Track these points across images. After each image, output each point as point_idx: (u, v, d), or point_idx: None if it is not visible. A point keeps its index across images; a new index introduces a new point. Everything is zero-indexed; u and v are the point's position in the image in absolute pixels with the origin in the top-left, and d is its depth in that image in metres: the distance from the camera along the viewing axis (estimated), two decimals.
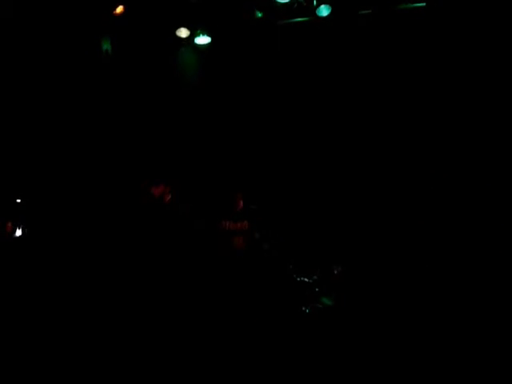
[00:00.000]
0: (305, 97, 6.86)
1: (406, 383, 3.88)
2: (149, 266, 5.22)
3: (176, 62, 7.14)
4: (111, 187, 6.55)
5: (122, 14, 6.34)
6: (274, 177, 6.86)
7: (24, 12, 6.07)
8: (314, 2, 6.34)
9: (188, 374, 4.05)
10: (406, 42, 6.28)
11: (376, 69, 6.51)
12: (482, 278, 4.94)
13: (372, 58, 6.50)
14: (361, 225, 6.16)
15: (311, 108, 6.82)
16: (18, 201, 6.42)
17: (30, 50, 6.32)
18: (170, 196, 5.66)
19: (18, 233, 6.07)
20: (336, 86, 6.72)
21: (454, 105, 6.01)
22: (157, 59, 6.97)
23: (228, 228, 5.74)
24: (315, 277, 5.35)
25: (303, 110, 6.86)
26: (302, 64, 6.84)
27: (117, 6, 6.30)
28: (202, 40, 6.90)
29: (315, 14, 6.40)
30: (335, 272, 5.37)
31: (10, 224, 5.97)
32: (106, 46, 6.63)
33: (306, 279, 5.32)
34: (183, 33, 6.80)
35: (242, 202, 5.83)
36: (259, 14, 6.65)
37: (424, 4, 6.17)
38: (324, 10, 6.34)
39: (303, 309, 5.06)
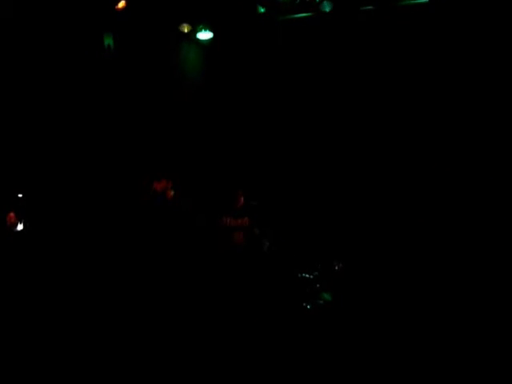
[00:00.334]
0: (306, 93, 6.85)
1: (406, 379, 3.89)
2: (150, 260, 5.24)
3: (178, 57, 7.14)
4: (113, 182, 6.56)
5: (123, 9, 6.32)
6: (274, 173, 6.87)
7: (25, 7, 6.05)
8: None
9: (188, 370, 4.06)
10: (408, 38, 6.26)
11: (378, 64, 6.49)
12: (482, 275, 4.95)
13: (374, 54, 6.48)
14: (361, 220, 6.17)
15: (313, 105, 6.81)
16: (20, 195, 6.43)
17: (32, 45, 6.31)
18: (172, 192, 5.67)
19: (20, 227, 6.08)
20: (338, 81, 6.71)
21: (455, 101, 5.99)
22: (159, 54, 6.96)
23: (229, 224, 5.75)
24: (316, 273, 5.36)
25: (305, 106, 6.85)
26: (304, 60, 6.83)
27: (119, 1, 6.28)
28: (204, 35, 6.89)
29: (317, 9, 6.38)
30: (336, 268, 5.38)
31: (12, 214, 5.97)
32: (108, 41, 6.62)
33: (307, 275, 5.33)
34: (185, 28, 6.79)
35: (242, 199, 5.84)
36: (261, 10, 6.63)
37: (427, 0, 6.15)
38: (327, 6, 6.32)
39: (304, 305, 5.07)
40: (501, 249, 5.12)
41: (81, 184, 6.52)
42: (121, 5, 6.30)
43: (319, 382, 3.96)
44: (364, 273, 5.34)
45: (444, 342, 4.24)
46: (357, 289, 5.17)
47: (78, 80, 6.65)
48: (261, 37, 6.92)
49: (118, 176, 6.63)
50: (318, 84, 6.80)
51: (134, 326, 4.60)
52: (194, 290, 5.03)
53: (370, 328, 4.55)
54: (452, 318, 4.50)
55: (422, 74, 6.23)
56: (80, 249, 5.68)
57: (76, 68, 6.60)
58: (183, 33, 6.89)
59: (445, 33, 6.07)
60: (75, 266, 5.43)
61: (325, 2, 6.30)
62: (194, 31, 6.87)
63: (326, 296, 5.14)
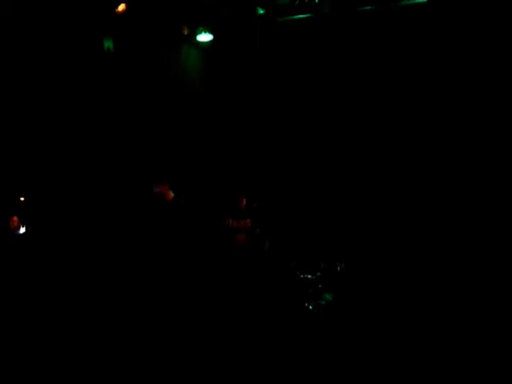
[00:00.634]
0: (306, 94, 6.86)
1: (408, 380, 3.90)
2: (153, 262, 5.26)
3: (178, 59, 7.14)
4: (115, 184, 6.57)
5: (123, 13, 6.34)
6: (276, 174, 6.88)
7: (25, 10, 6.06)
8: None
9: (189, 370, 4.08)
10: (407, 38, 6.27)
11: (377, 65, 6.50)
12: (483, 275, 4.97)
13: (373, 55, 6.49)
14: (363, 221, 6.18)
15: (313, 106, 6.82)
16: (22, 199, 6.45)
17: (32, 48, 6.32)
18: (171, 194, 5.68)
19: (22, 230, 6.10)
20: (337, 82, 6.72)
21: (455, 101, 6.00)
22: (158, 57, 6.97)
23: (231, 226, 5.77)
24: (318, 273, 5.37)
25: (305, 107, 6.86)
26: (304, 61, 6.84)
27: (119, 5, 6.30)
28: (204, 37, 6.90)
29: (317, 10, 6.39)
30: (338, 269, 5.39)
31: (15, 218, 5.99)
32: (108, 44, 6.63)
33: (309, 276, 5.35)
34: (185, 30, 6.80)
35: (244, 201, 5.86)
36: (261, 11, 6.64)
37: (426, 0, 6.16)
38: (326, 6, 6.34)
39: (306, 305, 5.08)
40: (501, 248, 5.14)
41: (82, 186, 6.53)
42: (121, 8, 6.31)
43: (322, 382, 3.98)
44: (366, 273, 5.35)
45: (447, 342, 4.25)
46: (359, 289, 5.19)
47: (78, 83, 6.67)
48: (260, 38, 6.92)
49: (120, 178, 6.64)
50: (318, 85, 6.80)
51: (135, 327, 4.62)
52: (196, 291, 5.05)
53: (372, 328, 4.56)
54: (455, 319, 4.52)
55: (422, 75, 6.24)
56: (81, 251, 5.69)
57: (76, 71, 6.62)
58: (183, 35, 6.90)
59: (444, 33, 6.08)
60: (77, 268, 5.45)
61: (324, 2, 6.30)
62: (193, 33, 6.89)
63: (329, 297, 5.15)
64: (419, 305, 4.77)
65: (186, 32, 6.74)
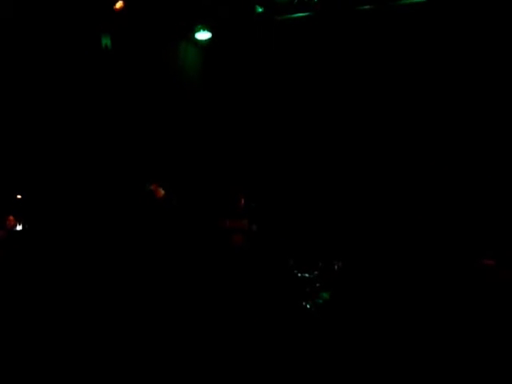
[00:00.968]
0: (304, 93, 6.85)
1: (406, 379, 3.90)
2: (150, 262, 5.24)
3: (176, 57, 7.13)
4: (109, 182, 6.56)
5: (121, 10, 6.32)
6: (274, 173, 6.87)
7: (24, 7, 6.04)
8: None
9: (187, 370, 4.06)
10: (406, 37, 6.26)
11: (376, 64, 6.49)
12: (482, 275, 4.96)
13: (372, 54, 6.48)
14: (361, 220, 6.18)
15: (311, 105, 6.81)
16: (19, 197, 6.43)
17: (29, 45, 6.30)
18: (162, 191, 5.66)
19: (18, 228, 6.09)
20: (336, 81, 6.71)
21: (455, 101, 6.00)
22: (156, 55, 6.96)
23: (228, 226, 5.77)
24: (316, 272, 5.36)
25: (304, 106, 6.85)
26: (303, 59, 6.83)
27: (116, 2, 6.28)
28: (203, 35, 6.89)
29: (316, 9, 6.39)
30: (336, 267, 5.38)
31: (11, 218, 5.98)
32: (106, 41, 6.61)
33: (306, 275, 5.34)
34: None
35: (242, 201, 5.86)
36: (260, 9, 6.63)
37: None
38: None
39: (304, 304, 5.07)
40: (500, 248, 5.14)
41: (78, 185, 6.51)
42: (118, 5, 6.30)
43: (319, 382, 3.97)
44: (364, 272, 5.35)
45: (444, 341, 4.25)
46: (357, 288, 5.18)
47: (76, 80, 6.65)
48: (259, 37, 6.91)
49: (116, 176, 6.63)
50: (316, 84, 6.80)
51: (133, 327, 4.60)
52: (194, 291, 5.03)
53: (370, 327, 4.56)
54: (452, 317, 4.52)
55: (421, 74, 6.24)
56: (78, 250, 5.67)
57: (73, 68, 6.60)
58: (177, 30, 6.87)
59: (443, 32, 6.08)
60: (73, 266, 5.43)
61: None
62: (192, 31, 6.88)
63: (326, 295, 5.14)
64: (417, 304, 4.77)
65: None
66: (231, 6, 6.60)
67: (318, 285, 5.26)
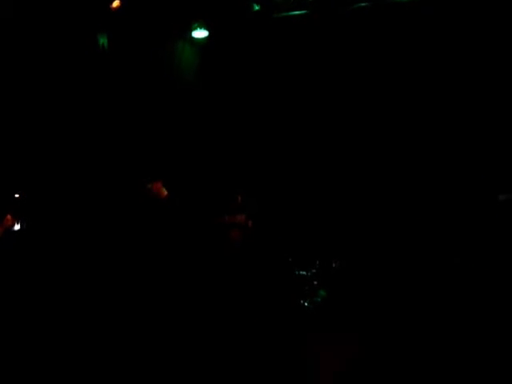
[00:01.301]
0: (302, 92, 6.86)
1: (404, 378, 3.91)
2: (147, 257, 5.25)
3: (173, 56, 7.12)
4: (108, 181, 6.55)
5: (118, 9, 6.31)
6: (272, 171, 6.88)
7: (19, 6, 6.03)
8: None
9: (184, 368, 4.07)
10: (403, 34, 6.27)
11: (373, 62, 6.50)
12: (480, 275, 4.97)
13: (370, 51, 6.49)
14: (359, 218, 6.18)
15: (309, 103, 6.82)
16: (17, 195, 6.43)
17: (25, 44, 6.29)
18: (165, 191, 5.67)
19: (17, 227, 6.08)
20: (333, 79, 6.72)
21: (453, 99, 6.00)
22: (154, 54, 6.95)
23: (226, 221, 5.79)
24: (314, 270, 5.38)
25: (301, 104, 6.86)
26: (300, 58, 6.83)
27: (113, 1, 6.26)
28: (200, 34, 6.88)
29: (312, 7, 6.40)
30: (334, 265, 5.40)
31: (9, 217, 5.97)
32: (103, 40, 6.60)
33: (304, 273, 5.35)
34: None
35: (240, 196, 5.88)
36: (256, 7, 6.63)
37: None
38: None
39: (302, 302, 5.08)
40: (500, 248, 5.14)
41: (77, 184, 6.51)
42: (115, 4, 6.28)
43: (316, 380, 3.98)
44: (362, 270, 5.36)
45: (442, 338, 4.26)
46: (355, 286, 5.19)
47: (72, 80, 6.64)
48: (256, 35, 6.91)
49: (114, 175, 6.62)
50: (313, 82, 6.80)
51: (131, 320, 4.61)
52: (190, 288, 5.04)
53: (367, 325, 4.57)
54: (449, 316, 4.53)
55: (418, 72, 6.24)
56: (77, 250, 5.68)
57: (70, 68, 6.59)
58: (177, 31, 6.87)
59: (439, 29, 6.08)
60: (72, 266, 5.43)
61: None
62: (188, 29, 6.87)
63: (324, 293, 5.15)
64: (414, 302, 4.78)
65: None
66: (228, 4, 6.60)
67: (315, 283, 5.28)
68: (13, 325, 4.57)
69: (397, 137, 6.33)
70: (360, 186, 6.39)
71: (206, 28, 6.84)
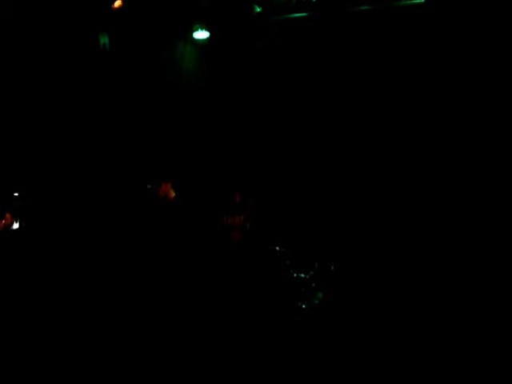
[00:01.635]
0: (303, 93, 6.86)
1: (402, 379, 3.91)
2: (147, 257, 5.25)
3: (174, 56, 7.13)
4: (108, 181, 6.55)
5: (120, 9, 6.31)
6: (271, 173, 6.88)
7: (21, 6, 6.03)
8: None
9: (182, 368, 4.07)
10: (404, 38, 6.26)
11: (374, 65, 6.50)
12: (479, 275, 4.98)
13: (370, 54, 6.49)
14: (357, 220, 6.19)
15: (309, 104, 6.82)
16: (16, 194, 6.43)
17: (27, 44, 6.29)
18: (173, 193, 5.69)
19: (15, 226, 6.08)
20: (334, 81, 6.72)
21: (453, 101, 6.01)
22: (155, 54, 6.95)
23: (226, 222, 5.81)
24: (312, 272, 5.38)
25: (302, 106, 6.86)
26: (301, 60, 6.84)
27: (115, 1, 6.27)
28: (201, 35, 6.89)
29: (314, 9, 6.39)
30: (332, 268, 5.40)
31: (8, 216, 5.97)
32: (104, 40, 6.61)
33: (302, 275, 5.35)
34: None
35: (239, 197, 5.91)
36: (258, 9, 6.63)
37: (423, 0, 6.15)
38: None
39: (300, 304, 5.09)
40: (499, 249, 5.15)
41: (76, 184, 6.51)
42: (117, 4, 6.28)
43: (314, 382, 3.98)
44: (359, 273, 5.36)
45: (440, 340, 4.26)
46: (352, 288, 5.19)
47: (74, 79, 6.64)
48: (257, 36, 6.91)
49: (114, 175, 6.63)
50: (314, 84, 6.80)
51: (129, 320, 4.61)
52: (189, 289, 5.04)
53: (365, 328, 4.57)
54: (448, 317, 4.53)
55: (418, 75, 6.24)
56: (75, 249, 5.68)
57: (72, 67, 6.59)
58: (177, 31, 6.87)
59: (440, 34, 6.08)
60: (71, 263, 5.43)
61: None
62: (189, 30, 6.87)
63: (322, 296, 5.16)
64: (412, 303, 4.78)
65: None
66: (229, 6, 6.59)
67: (313, 285, 5.28)
68: (12, 322, 4.57)
69: (395, 139, 6.33)
70: (358, 188, 6.39)
71: (207, 29, 6.84)
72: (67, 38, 6.41)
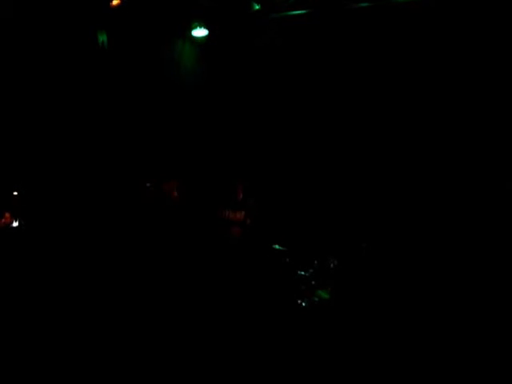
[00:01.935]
0: (302, 91, 6.86)
1: (402, 377, 3.91)
2: (147, 253, 5.26)
3: (173, 54, 7.12)
4: (106, 180, 6.55)
5: (118, 6, 6.30)
6: (272, 170, 6.89)
7: (20, 4, 6.01)
8: None
9: (181, 366, 4.07)
10: (404, 35, 6.26)
11: (373, 62, 6.49)
12: (478, 275, 4.98)
13: (370, 52, 6.48)
14: (357, 218, 6.19)
15: (308, 102, 6.82)
16: (15, 193, 6.42)
17: (26, 42, 6.27)
18: (176, 193, 5.71)
19: (15, 224, 6.07)
20: (333, 79, 6.72)
21: (453, 99, 6.00)
22: (153, 52, 6.94)
23: (228, 217, 5.83)
24: (312, 270, 5.38)
25: (301, 104, 6.86)
26: (299, 57, 6.83)
27: None
28: (199, 32, 6.87)
29: (312, 7, 6.39)
30: (331, 265, 5.40)
31: (8, 215, 5.97)
32: (103, 38, 6.59)
33: (302, 273, 5.35)
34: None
35: (241, 192, 5.93)
36: (257, 7, 6.62)
37: None
38: None
39: (300, 302, 5.09)
40: (499, 249, 5.15)
41: (76, 182, 6.51)
42: (115, 2, 6.27)
43: (314, 380, 3.98)
44: (359, 270, 5.36)
45: (441, 338, 4.27)
46: (352, 286, 5.20)
47: (72, 77, 6.63)
48: (256, 34, 6.90)
49: (113, 173, 6.62)
50: (314, 82, 6.80)
51: (129, 311, 4.61)
52: (189, 286, 5.05)
53: (365, 325, 4.57)
54: (448, 315, 4.54)
55: (418, 72, 6.23)
56: (74, 248, 5.67)
57: (69, 65, 6.58)
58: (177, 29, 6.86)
59: (440, 29, 6.07)
60: (71, 262, 5.43)
61: None
62: (188, 28, 6.86)
63: (322, 293, 5.16)
64: (412, 302, 4.79)
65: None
66: (228, 4, 6.59)
67: (313, 283, 5.28)
68: (11, 320, 4.56)
69: (395, 138, 6.33)
70: (357, 186, 6.40)
71: (206, 27, 6.83)
72: (66, 35, 6.39)
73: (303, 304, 5.05)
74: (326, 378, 3.96)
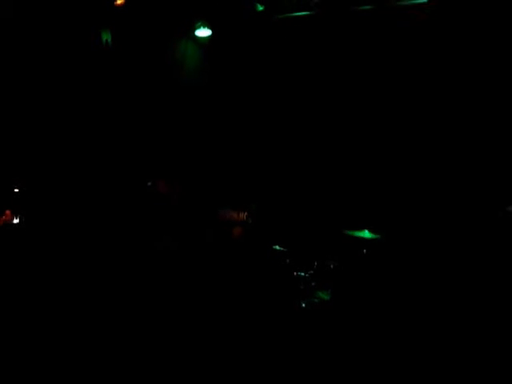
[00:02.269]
0: (304, 93, 6.86)
1: (402, 378, 3.90)
2: (147, 251, 5.26)
3: (176, 54, 7.14)
4: (108, 178, 6.56)
5: (122, 5, 6.32)
6: (272, 172, 6.89)
7: (24, 2, 6.03)
8: None
9: (181, 366, 4.06)
10: (407, 38, 6.26)
11: (376, 64, 6.50)
12: (478, 275, 4.97)
13: (373, 54, 6.49)
14: (356, 219, 6.18)
15: (311, 104, 6.82)
16: (16, 190, 6.43)
17: (29, 41, 6.29)
18: (177, 194, 5.71)
19: (15, 222, 6.08)
20: (336, 81, 6.72)
21: (454, 102, 6.00)
22: (157, 51, 6.96)
23: (230, 217, 5.83)
24: (311, 271, 5.37)
25: (303, 106, 6.86)
26: (303, 58, 6.84)
27: None
28: (203, 32, 6.89)
29: (316, 8, 6.40)
30: (332, 266, 5.39)
31: (9, 212, 5.97)
32: (106, 36, 6.61)
33: (302, 273, 5.34)
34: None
35: (242, 194, 5.93)
36: (260, 8, 6.63)
37: (425, 0, 6.15)
38: None
39: (299, 303, 5.07)
40: (499, 249, 5.14)
41: (76, 180, 6.51)
42: (119, 1, 6.29)
43: (314, 380, 3.97)
44: (359, 271, 5.35)
45: (441, 339, 4.25)
46: (352, 288, 5.19)
47: (75, 76, 6.65)
48: (260, 35, 6.92)
49: (115, 172, 6.63)
50: (316, 83, 6.81)
51: (129, 309, 4.61)
52: (190, 287, 5.04)
53: (365, 327, 4.56)
54: (448, 316, 4.52)
55: (420, 75, 6.24)
56: (75, 245, 5.67)
57: (73, 64, 6.60)
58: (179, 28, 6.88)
59: (443, 32, 6.08)
60: (72, 263, 5.43)
61: None
62: (191, 28, 6.88)
63: (322, 295, 5.15)
64: (411, 303, 4.78)
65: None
66: (232, 4, 6.60)
67: (313, 284, 5.27)
68: (11, 319, 4.56)
69: (395, 139, 6.33)
70: (358, 186, 6.39)
71: (210, 27, 6.85)
72: (69, 34, 6.42)
73: (303, 305, 5.04)
74: (326, 378, 3.95)
